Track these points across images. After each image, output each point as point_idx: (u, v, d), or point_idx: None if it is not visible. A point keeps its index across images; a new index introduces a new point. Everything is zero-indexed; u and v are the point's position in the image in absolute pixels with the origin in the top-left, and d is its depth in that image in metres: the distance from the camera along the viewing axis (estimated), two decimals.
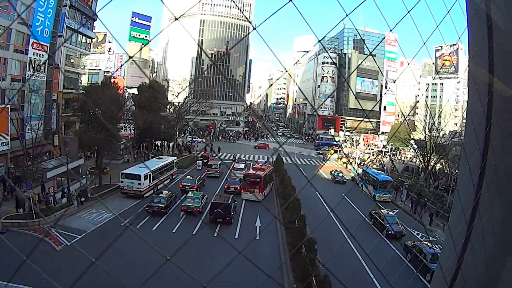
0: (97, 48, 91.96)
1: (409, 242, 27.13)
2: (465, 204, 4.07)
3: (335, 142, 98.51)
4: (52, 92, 45.94)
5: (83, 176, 40.12)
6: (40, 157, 38.60)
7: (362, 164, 64.95)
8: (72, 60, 54.24)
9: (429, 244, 25.96)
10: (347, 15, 3.17)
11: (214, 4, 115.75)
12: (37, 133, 36.09)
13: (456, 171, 44.95)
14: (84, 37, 56.66)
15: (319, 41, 3.93)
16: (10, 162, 39.07)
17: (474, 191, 4.01)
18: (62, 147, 44.69)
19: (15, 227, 26.86)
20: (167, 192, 35.53)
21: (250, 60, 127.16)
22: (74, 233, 26.77)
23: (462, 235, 4.11)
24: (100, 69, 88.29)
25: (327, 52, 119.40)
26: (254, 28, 2.99)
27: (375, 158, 75.47)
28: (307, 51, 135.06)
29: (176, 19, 2.72)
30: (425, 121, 56.54)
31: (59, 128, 48.81)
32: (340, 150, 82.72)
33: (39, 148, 36.26)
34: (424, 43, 4.18)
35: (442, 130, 50.76)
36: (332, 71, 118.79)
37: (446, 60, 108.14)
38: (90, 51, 61.98)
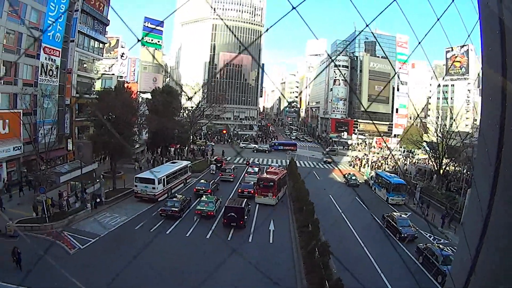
0: (110, 53, 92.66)
1: (421, 244, 27.06)
2: (479, 205, 4.04)
3: (293, 142, 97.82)
4: (65, 96, 46.43)
5: (97, 181, 40.37)
6: (54, 162, 38.94)
7: (374, 167, 64.82)
8: (85, 65, 54.76)
9: (440, 246, 25.96)
10: (367, 25, 3.17)
11: (225, 9, 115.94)
12: (49, 137, 36.47)
13: (468, 172, 44.70)
14: (96, 42, 57.33)
15: (345, 48, 3.92)
16: (23, 166, 39.53)
17: (488, 192, 3.99)
18: (76, 152, 45.06)
19: (28, 231, 27.05)
20: (181, 196, 35.72)
21: (263, 64, 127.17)
22: (87, 236, 26.94)
23: (476, 236, 4.09)
24: (113, 74, 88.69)
25: (349, 54, 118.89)
26: (267, 29, 2.97)
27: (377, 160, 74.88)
28: (329, 57, 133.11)
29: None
30: (437, 123, 56.14)
31: (73, 133, 49.27)
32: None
33: (53, 153, 36.58)
34: (449, 48, 4.17)
35: (454, 132, 50.40)
36: (344, 74, 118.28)
37: (457, 61, 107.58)
38: (103, 56, 62.53)
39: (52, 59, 43.58)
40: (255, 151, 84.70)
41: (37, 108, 40.06)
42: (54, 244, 25.02)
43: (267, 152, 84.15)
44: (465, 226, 4.44)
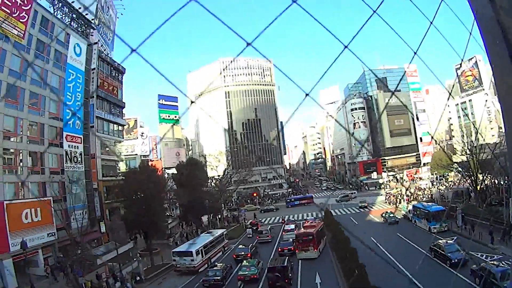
0: (130, 134, 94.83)
1: (474, 266, 25.57)
2: None
3: (309, 195, 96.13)
4: (92, 181, 47.49)
5: (135, 259, 40.32)
6: (89, 245, 39.30)
7: (410, 200, 63.63)
8: (107, 148, 55.95)
9: (495, 262, 24.84)
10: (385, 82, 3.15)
11: (235, 75, 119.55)
12: (82, 222, 36.98)
13: (505, 182, 43.55)
14: (115, 125, 59.09)
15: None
16: (59, 251, 39.78)
17: None
18: (110, 233, 45.38)
19: None
20: (221, 264, 35.43)
21: (281, 122, 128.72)
22: None
23: None
24: (136, 154, 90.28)
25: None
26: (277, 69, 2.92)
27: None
28: (350, 103, 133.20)
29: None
30: (463, 141, 55.24)
31: (104, 215, 49.82)
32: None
33: (87, 236, 36.99)
34: (457, 64, 4.11)
35: (482, 145, 49.62)
36: (362, 115, 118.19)
37: (468, 76, 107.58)
38: (123, 137, 63.93)
39: (75, 146, 44.97)
40: (262, 211, 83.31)
41: (66, 194, 40.95)
42: None
43: (275, 211, 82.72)
44: None
